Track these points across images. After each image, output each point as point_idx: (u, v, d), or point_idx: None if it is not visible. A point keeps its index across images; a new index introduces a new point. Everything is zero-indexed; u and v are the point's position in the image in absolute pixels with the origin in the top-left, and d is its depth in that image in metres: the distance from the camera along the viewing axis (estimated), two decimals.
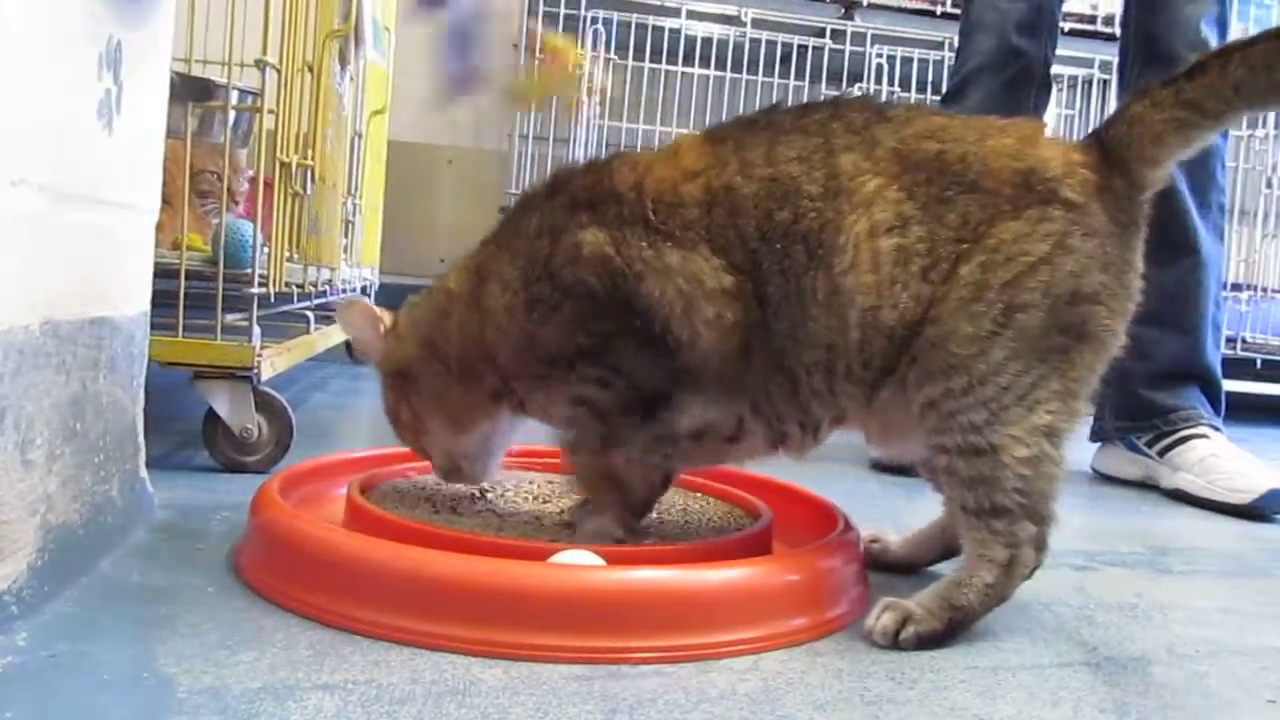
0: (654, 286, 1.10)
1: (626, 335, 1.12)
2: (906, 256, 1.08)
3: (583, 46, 3.18)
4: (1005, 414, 1.07)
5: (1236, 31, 3.04)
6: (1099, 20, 3.39)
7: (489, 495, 1.35)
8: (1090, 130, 1.23)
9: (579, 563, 1.07)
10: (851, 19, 3.42)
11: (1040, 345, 1.08)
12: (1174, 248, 2.09)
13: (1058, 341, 1.08)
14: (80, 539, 1.08)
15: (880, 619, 1.08)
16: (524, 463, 1.50)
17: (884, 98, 3.33)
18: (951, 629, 1.09)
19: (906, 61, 3.35)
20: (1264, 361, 3.38)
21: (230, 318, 1.59)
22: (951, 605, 1.09)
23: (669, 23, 3.27)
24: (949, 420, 1.08)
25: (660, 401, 1.15)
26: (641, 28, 3.25)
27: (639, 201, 1.13)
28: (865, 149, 1.11)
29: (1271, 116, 3.41)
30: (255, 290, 1.60)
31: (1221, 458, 2.01)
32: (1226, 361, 2.32)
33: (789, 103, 3.04)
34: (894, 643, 1.07)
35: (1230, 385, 2.31)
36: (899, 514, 1.26)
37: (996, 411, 1.07)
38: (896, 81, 3.36)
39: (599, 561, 1.07)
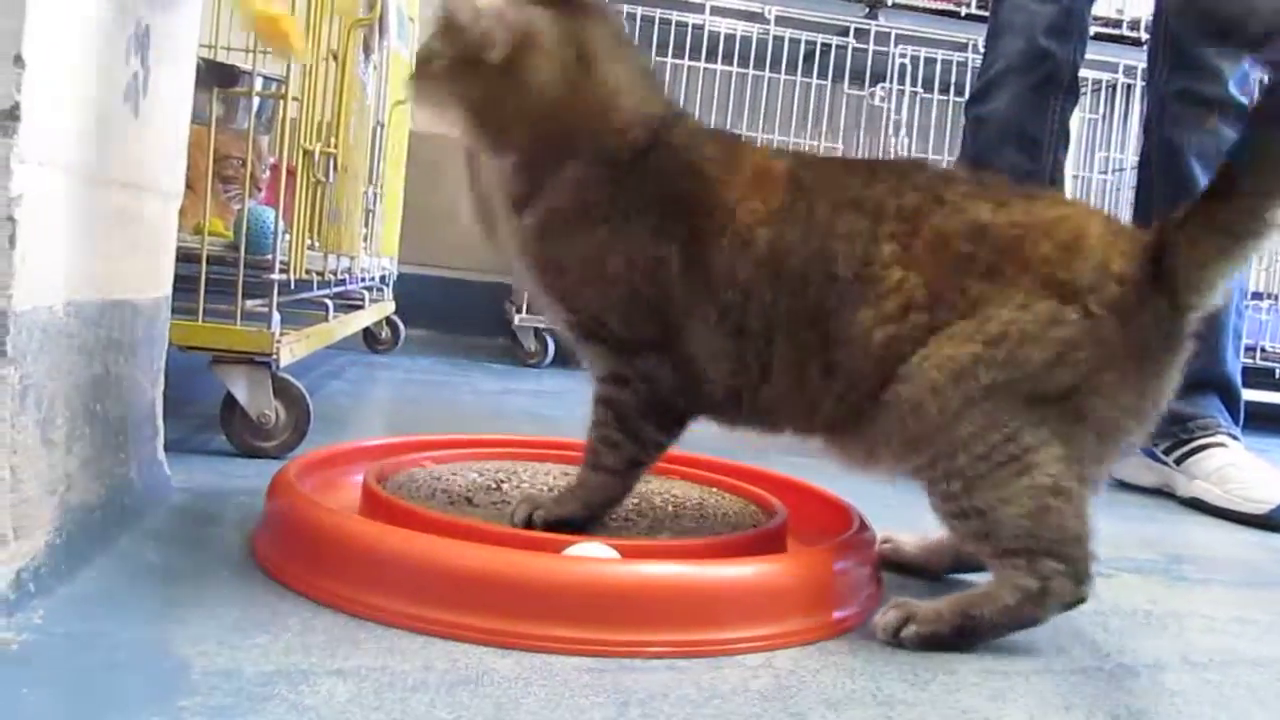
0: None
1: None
2: (897, 341, 1.08)
3: None
4: (984, 480, 1.06)
5: None
6: (1125, 24, 3.38)
7: (504, 486, 1.35)
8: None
9: (593, 555, 1.07)
10: (875, 18, 3.41)
11: (1033, 415, 1.06)
12: None
13: (1050, 416, 1.06)
14: (98, 519, 1.09)
15: (885, 615, 1.08)
16: (539, 454, 1.50)
17: (907, 98, 3.33)
18: (959, 635, 1.08)
19: (930, 62, 3.34)
20: None
21: (250, 303, 1.59)
22: (965, 614, 1.08)
23: (692, 18, 3.26)
24: (931, 487, 1.09)
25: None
26: (665, 23, 3.24)
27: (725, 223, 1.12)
28: (906, 238, 1.10)
29: None
30: (275, 277, 1.60)
31: (1239, 467, 2.00)
32: (1246, 370, 2.31)
33: (810, 101, 3.01)
34: (894, 639, 1.07)
35: (1250, 394, 2.30)
36: (915, 515, 1.26)
37: (973, 479, 1.06)
38: (920, 82, 3.35)
39: (613, 554, 1.07)
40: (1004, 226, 1.10)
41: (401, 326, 3.22)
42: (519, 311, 3.22)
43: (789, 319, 1.11)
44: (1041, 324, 1.06)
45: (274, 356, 1.57)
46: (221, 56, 2.04)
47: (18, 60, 0.87)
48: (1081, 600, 1.09)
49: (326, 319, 2.06)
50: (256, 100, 1.77)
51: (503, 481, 1.36)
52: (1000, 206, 1.11)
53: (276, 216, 1.66)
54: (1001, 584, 1.08)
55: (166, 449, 1.33)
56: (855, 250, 1.10)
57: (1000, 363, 1.05)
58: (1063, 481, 1.06)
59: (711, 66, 3.38)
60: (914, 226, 1.10)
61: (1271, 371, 3.33)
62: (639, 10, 3.19)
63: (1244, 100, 2.05)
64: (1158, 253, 1.09)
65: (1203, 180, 2.05)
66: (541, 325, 3.19)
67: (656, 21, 3.22)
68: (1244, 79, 2.05)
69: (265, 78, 1.81)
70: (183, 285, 1.43)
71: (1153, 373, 1.11)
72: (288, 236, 1.68)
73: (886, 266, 1.09)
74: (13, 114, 0.87)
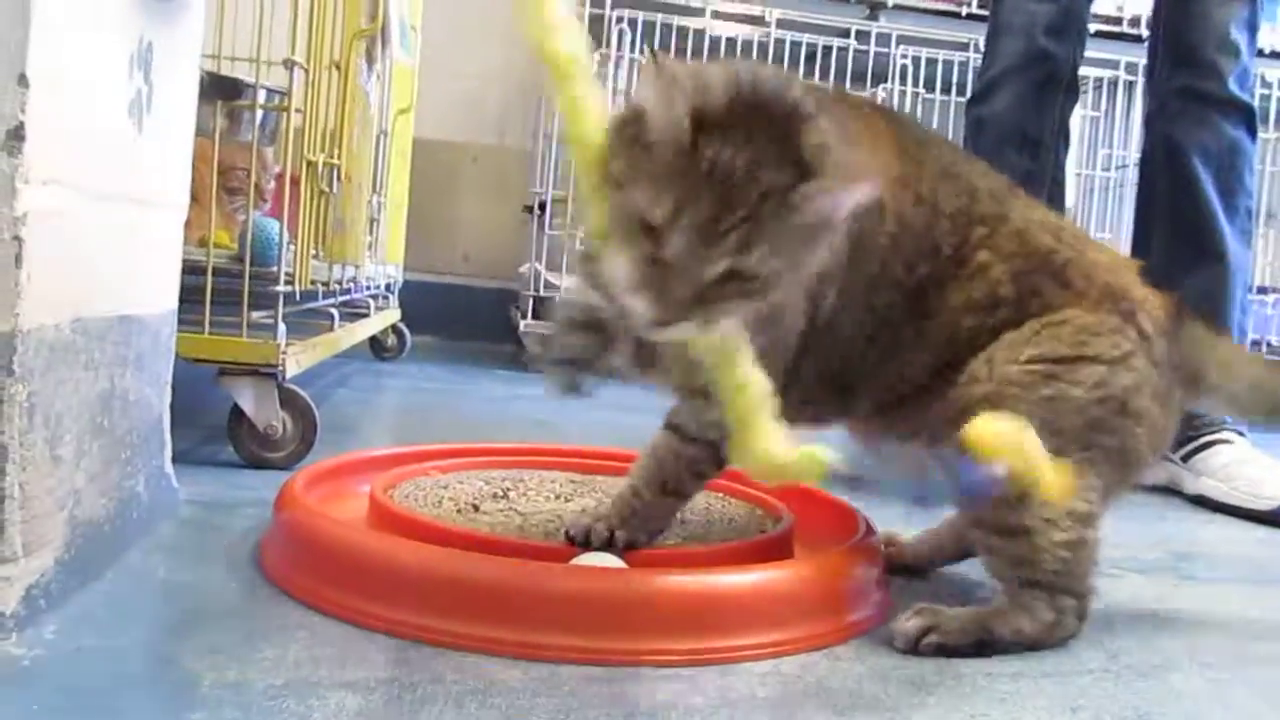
0: None
1: None
2: (978, 335, 1.12)
3: (608, 46, 3.18)
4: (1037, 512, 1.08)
5: (1265, 33, 3.03)
6: (1125, 22, 3.38)
7: (511, 494, 1.35)
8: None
9: (600, 564, 1.07)
10: (876, 20, 3.41)
11: (1081, 437, 1.09)
12: (1200, 253, 2.08)
13: (1097, 440, 1.10)
14: (107, 534, 1.10)
15: (909, 622, 1.08)
16: (545, 462, 1.50)
17: (909, 99, 3.33)
18: (975, 650, 1.08)
19: (931, 63, 3.33)
20: None
21: (256, 315, 1.60)
22: (986, 629, 1.09)
23: (694, 23, 3.27)
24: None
25: None
26: (667, 28, 3.25)
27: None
28: (996, 223, 1.13)
29: None
30: (281, 288, 1.61)
31: (1245, 463, 2.00)
32: None
33: None
34: (914, 648, 1.07)
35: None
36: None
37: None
38: (921, 83, 3.35)
39: (620, 564, 1.08)
40: (1070, 229, 1.17)
41: (408, 334, 3.23)
42: (524, 317, 3.23)
43: (902, 293, 1.11)
44: (1108, 333, 1.11)
45: (280, 368, 1.58)
46: (225, 67, 2.04)
47: (22, 80, 0.88)
48: (1075, 634, 1.13)
49: (332, 328, 2.07)
50: (260, 112, 1.77)
51: (509, 490, 1.37)
52: (1058, 216, 1.20)
53: (281, 228, 1.66)
54: (1019, 609, 1.10)
55: (174, 461, 1.33)
56: (955, 232, 1.12)
57: (1071, 376, 1.09)
58: (1095, 510, 1.11)
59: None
60: (1001, 214, 1.14)
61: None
62: (640, 16, 3.19)
63: (1244, 97, 2.05)
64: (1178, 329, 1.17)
65: (1204, 177, 2.06)
66: (548, 331, 3.20)
67: (658, 26, 3.22)
68: (1244, 76, 2.05)
69: (268, 90, 1.81)
70: (189, 297, 1.44)
71: (1173, 407, 1.17)
72: (292, 247, 1.69)
73: (977, 249, 1.12)
74: (18, 134, 0.88)
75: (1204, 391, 1.22)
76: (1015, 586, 1.11)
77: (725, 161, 0.87)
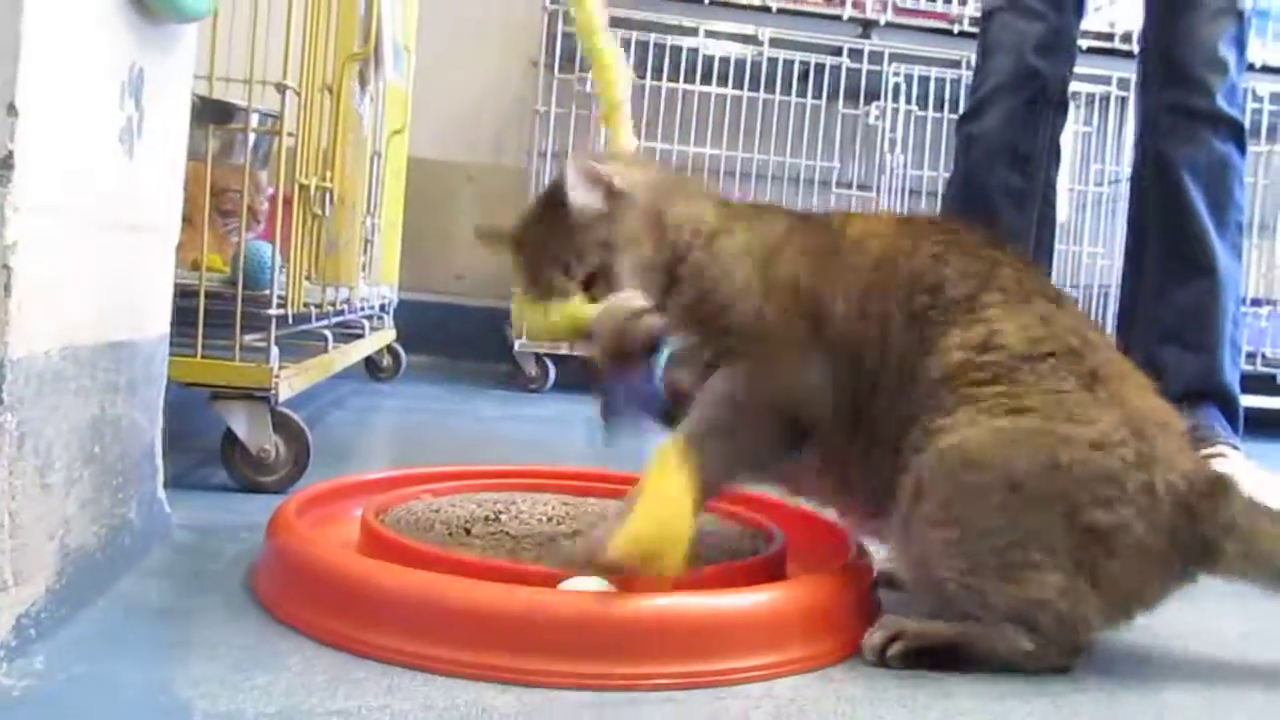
0: None
1: None
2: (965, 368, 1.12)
3: None
4: (988, 573, 1.07)
5: (1254, 48, 3.05)
6: (1116, 38, 3.39)
7: (503, 517, 1.35)
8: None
9: (587, 588, 1.07)
10: (869, 38, 3.42)
11: (1045, 541, 1.07)
12: (1192, 268, 2.09)
13: (1064, 547, 1.07)
14: (98, 561, 1.09)
15: (873, 636, 1.09)
16: (538, 484, 1.50)
17: (901, 116, 3.34)
18: (947, 653, 1.08)
19: (924, 80, 3.35)
20: None
21: (249, 338, 1.60)
22: (959, 634, 1.09)
23: (687, 42, 3.28)
24: (936, 559, 1.09)
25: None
26: (660, 47, 3.26)
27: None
28: (1014, 293, 1.16)
29: None
30: (273, 312, 1.61)
31: (1239, 476, 1.99)
32: (1246, 377, 2.32)
33: (805, 121, 3.03)
34: (881, 659, 1.07)
35: (1251, 401, 2.30)
36: None
37: (977, 567, 1.07)
38: (914, 100, 3.36)
39: (608, 588, 1.07)
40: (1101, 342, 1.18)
41: (403, 354, 3.23)
42: (519, 337, 3.23)
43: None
44: (1109, 469, 1.08)
45: (273, 391, 1.58)
46: (218, 88, 2.05)
47: (11, 109, 0.88)
48: (1068, 668, 1.10)
49: (326, 350, 2.07)
50: (253, 135, 1.78)
51: (501, 512, 1.36)
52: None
53: (274, 251, 1.66)
54: (1001, 630, 1.08)
55: (166, 486, 1.33)
56: (969, 281, 1.15)
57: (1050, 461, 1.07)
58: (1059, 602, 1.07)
59: (707, 89, 3.40)
60: (1024, 295, 1.15)
61: (1272, 377, 3.34)
62: (634, 36, 3.20)
63: (1233, 113, 2.06)
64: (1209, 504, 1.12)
65: (1195, 192, 2.06)
66: (542, 350, 3.20)
67: (651, 46, 3.24)
68: (1232, 92, 2.06)
69: (261, 113, 1.82)
70: (181, 320, 1.44)
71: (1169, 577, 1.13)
72: (285, 269, 1.69)
73: (987, 307, 1.13)
74: (7, 162, 0.88)
75: (1220, 571, 1.15)
76: (992, 623, 1.09)
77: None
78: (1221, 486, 1.13)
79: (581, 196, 1.19)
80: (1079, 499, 1.06)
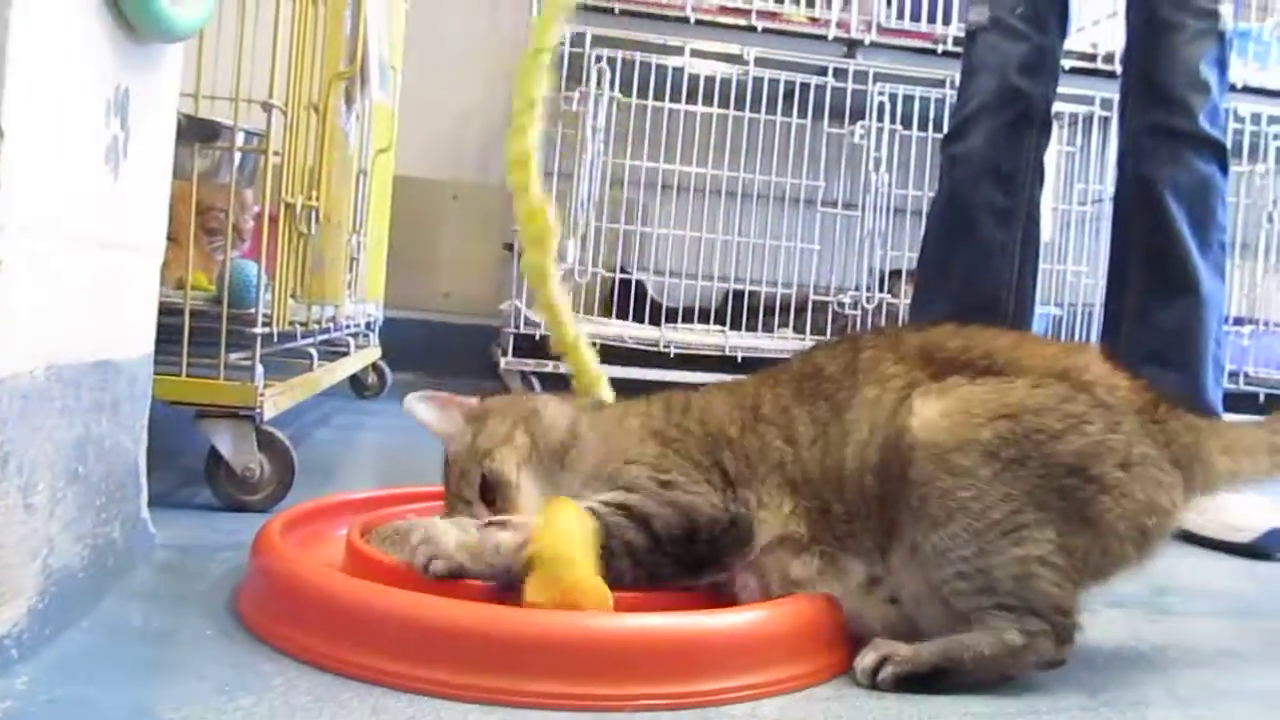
0: None
1: None
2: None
3: (588, 85, 3.20)
4: (993, 545, 1.08)
5: (1236, 68, 3.07)
6: (1099, 58, 3.41)
7: None
8: None
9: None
10: (854, 57, 3.44)
11: (1036, 499, 1.09)
12: (1174, 287, 2.10)
13: (1056, 504, 1.09)
14: (81, 581, 1.09)
15: (864, 658, 1.09)
16: None
17: (886, 135, 3.35)
18: (936, 676, 1.08)
19: (908, 99, 3.36)
20: (1267, 395, 3.38)
21: (234, 356, 1.60)
22: (945, 656, 1.08)
23: (672, 61, 3.28)
24: (944, 556, 1.09)
25: None
26: (645, 66, 3.26)
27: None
28: (917, 361, 1.19)
29: (1271, 151, 3.43)
30: (258, 331, 1.61)
31: (1223, 496, 2.00)
32: (1229, 396, 2.32)
33: (791, 140, 3.06)
34: (873, 682, 1.07)
35: (1233, 420, 2.30)
36: None
37: (985, 545, 1.08)
38: (899, 119, 3.37)
39: None
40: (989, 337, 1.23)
41: (388, 372, 3.22)
42: (505, 354, 3.23)
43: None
44: (1056, 398, 1.12)
45: (258, 410, 1.58)
46: (204, 106, 2.05)
47: None
48: (1061, 662, 1.11)
49: (311, 368, 2.06)
50: (238, 154, 1.77)
51: None
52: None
53: (259, 270, 1.66)
54: (985, 633, 1.09)
55: (151, 504, 1.33)
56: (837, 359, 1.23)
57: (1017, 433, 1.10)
58: (1054, 558, 1.08)
59: (693, 108, 3.40)
60: (928, 359, 1.19)
61: (1255, 396, 3.35)
62: (619, 55, 3.21)
63: (1215, 133, 2.08)
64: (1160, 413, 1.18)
65: (1177, 212, 2.07)
66: (528, 368, 3.20)
67: (637, 65, 3.24)
68: (1214, 113, 2.07)
69: (247, 132, 1.82)
70: (166, 339, 1.43)
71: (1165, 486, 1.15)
72: (270, 287, 1.69)
73: (875, 365, 1.19)
74: None
75: (1216, 479, 1.20)
76: (981, 613, 1.09)
77: None
78: (1164, 398, 1.21)
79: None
80: (1051, 430, 1.10)
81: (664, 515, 1.13)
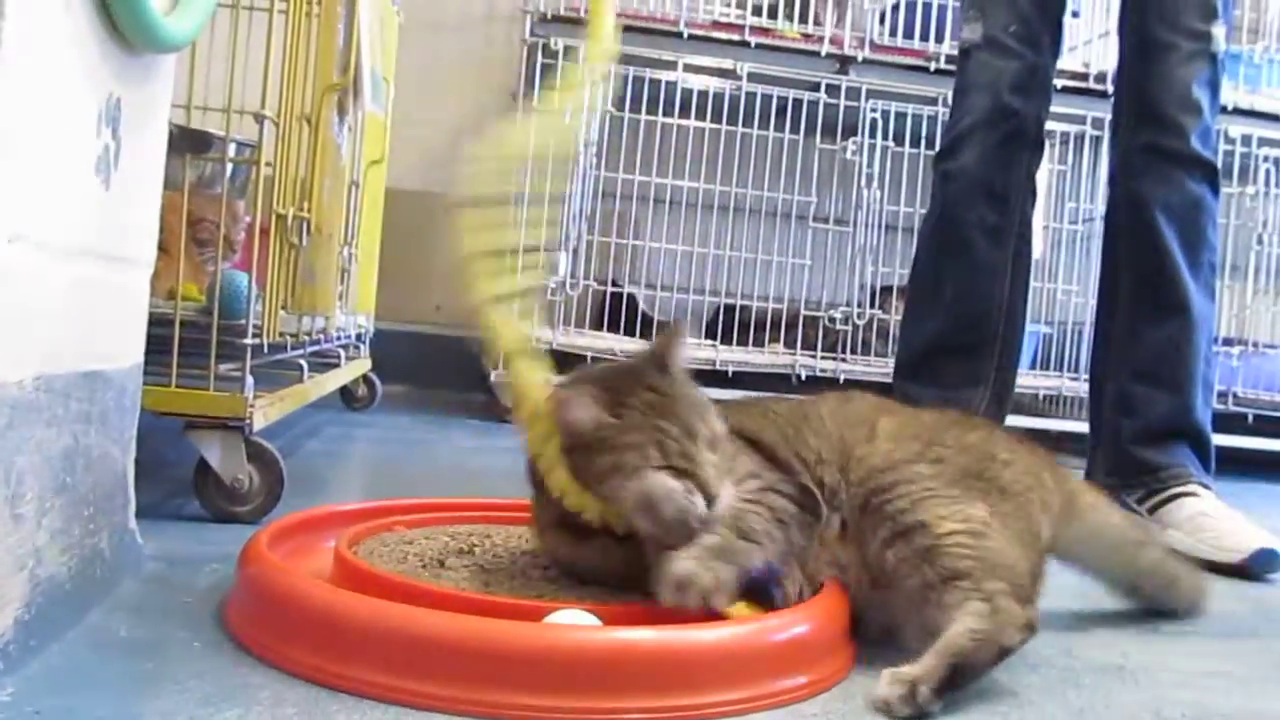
0: None
1: None
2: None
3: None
4: (926, 501, 1.21)
5: (1228, 90, 3.08)
6: (1091, 78, 3.43)
7: (477, 550, 1.35)
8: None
9: (574, 622, 1.07)
10: (846, 74, 3.44)
11: (962, 481, 1.25)
12: (1164, 306, 2.11)
13: (973, 483, 1.25)
14: (68, 592, 1.09)
15: (890, 689, 1.06)
16: (512, 517, 1.50)
17: (878, 152, 3.36)
18: (958, 675, 1.08)
19: (900, 116, 3.37)
20: (1256, 416, 3.39)
21: (223, 368, 1.59)
22: (949, 653, 1.09)
23: (665, 76, 3.29)
24: (881, 511, 1.22)
25: None
26: (639, 81, 3.27)
27: None
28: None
29: (1262, 173, 3.44)
30: (249, 342, 1.60)
31: (1211, 516, 2.01)
32: (1218, 416, 2.33)
33: (783, 156, 3.07)
34: (918, 710, 1.05)
35: (1222, 440, 2.32)
36: None
37: (918, 499, 1.21)
38: (891, 136, 3.38)
39: (595, 622, 1.07)
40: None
41: (378, 384, 3.22)
42: (496, 367, 3.22)
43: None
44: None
45: (247, 421, 1.57)
46: (195, 117, 2.05)
47: None
48: (1031, 627, 1.15)
49: (301, 380, 2.06)
50: (230, 164, 1.77)
51: (475, 545, 1.36)
52: None
53: (250, 280, 1.66)
54: (959, 619, 1.12)
55: (139, 516, 1.32)
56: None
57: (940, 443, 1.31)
58: (992, 521, 1.21)
59: (686, 123, 3.41)
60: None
61: (1244, 417, 3.36)
62: (612, 69, 3.21)
63: (1206, 154, 2.08)
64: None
65: (1168, 233, 2.08)
66: None
67: (630, 79, 3.25)
68: (1206, 134, 2.08)
69: (239, 143, 1.82)
70: (156, 349, 1.43)
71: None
72: (261, 298, 1.69)
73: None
74: None
75: (1080, 507, 1.41)
76: (940, 589, 1.15)
77: None
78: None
79: None
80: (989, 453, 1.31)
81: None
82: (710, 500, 1.15)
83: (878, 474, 1.25)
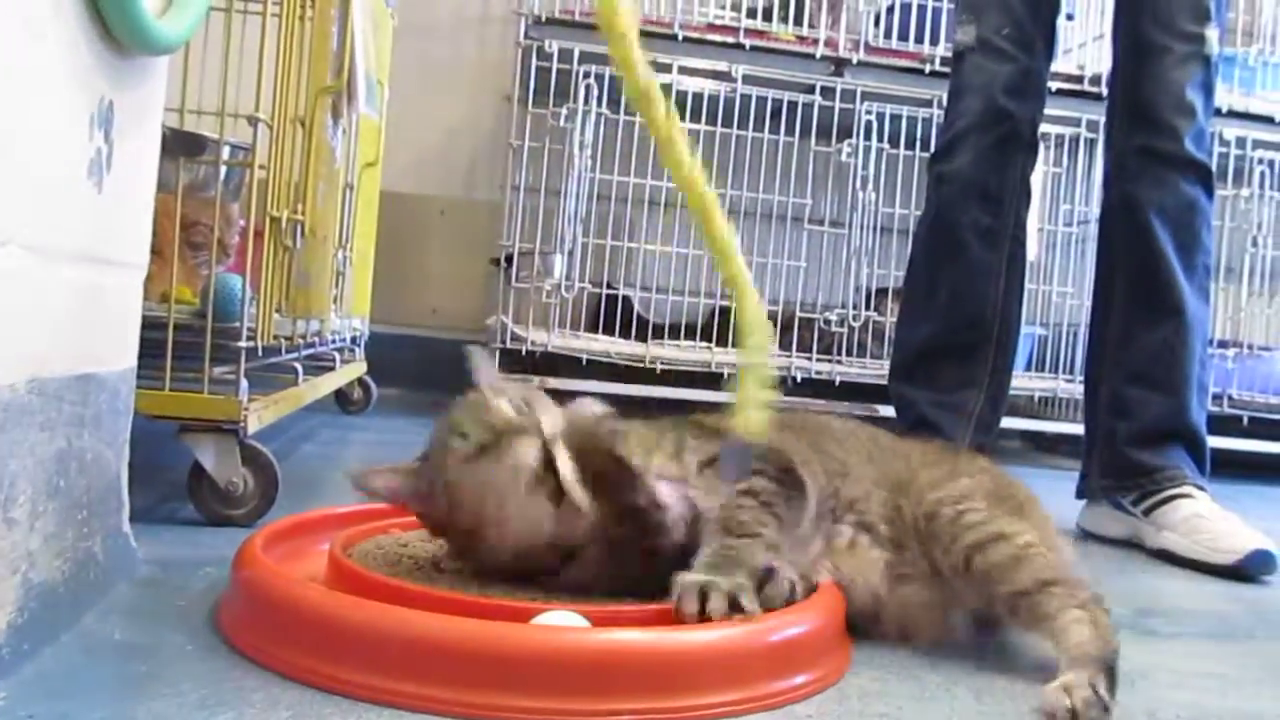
0: None
1: None
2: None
3: (575, 101, 3.20)
4: (996, 517, 1.26)
5: (1222, 93, 3.09)
6: (1086, 80, 3.43)
7: None
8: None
9: (563, 624, 1.06)
10: (841, 76, 3.44)
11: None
12: (1159, 309, 2.11)
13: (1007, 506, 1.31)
14: (62, 596, 1.08)
15: (1061, 700, 1.06)
16: None
17: (873, 154, 3.36)
18: (1111, 672, 1.11)
19: (895, 118, 3.37)
20: (1250, 419, 3.39)
21: (217, 371, 1.59)
22: (1093, 658, 1.11)
23: (661, 78, 3.27)
24: (959, 522, 1.25)
25: None
26: None
27: None
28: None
29: (1256, 175, 3.45)
30: (243, 345, 1.60)
31: (1206, 518, 2.01)
32: (1213, 419, 2.33)
33: (779, 158, 3.09)
34: (1102, 707, 1.07)
35: (1217, 442, 2.32)
36: None
37: (989, 515, 1.26)
38: (886, 138, 3.38)
39: (584, 623, 1.07)
40: None
41: (374, 387, 3.22)
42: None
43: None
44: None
45: (242, 424, 1.57)
46: (189, 120, 2.04)
47: None
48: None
49: (296, 383, 2.06)
50: (224, 168, 1.77)
51: None
52: None
53: (244, 283, 1.66)
54: (1073, 631, 1.15)
55: (133, 519, 1.32)
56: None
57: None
58: (1033, 540, 1.25)
59: (680, 125, 3.40)
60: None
61: (1239, 419, 3.36)
62: (607, 71, 3.21)
63: (1200, 157, 2.09)
64: None
65: (1162, 235, 2.09)
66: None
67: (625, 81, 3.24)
68: (1200, 136, 2.08)
69: (232, 146, 1.81)
70: (150, 353, 1.43)
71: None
72: (255, 301, 1.68)
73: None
74: None
75: None
76: (1036, 594, 1.19)
77: None
78: None
79: None
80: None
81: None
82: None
83: (938, 490, 1.30)
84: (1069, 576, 1.21)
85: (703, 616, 1.07)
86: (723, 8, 3.52)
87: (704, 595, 1.09)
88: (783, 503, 1.23)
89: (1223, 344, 3.45)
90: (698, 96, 3.37)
